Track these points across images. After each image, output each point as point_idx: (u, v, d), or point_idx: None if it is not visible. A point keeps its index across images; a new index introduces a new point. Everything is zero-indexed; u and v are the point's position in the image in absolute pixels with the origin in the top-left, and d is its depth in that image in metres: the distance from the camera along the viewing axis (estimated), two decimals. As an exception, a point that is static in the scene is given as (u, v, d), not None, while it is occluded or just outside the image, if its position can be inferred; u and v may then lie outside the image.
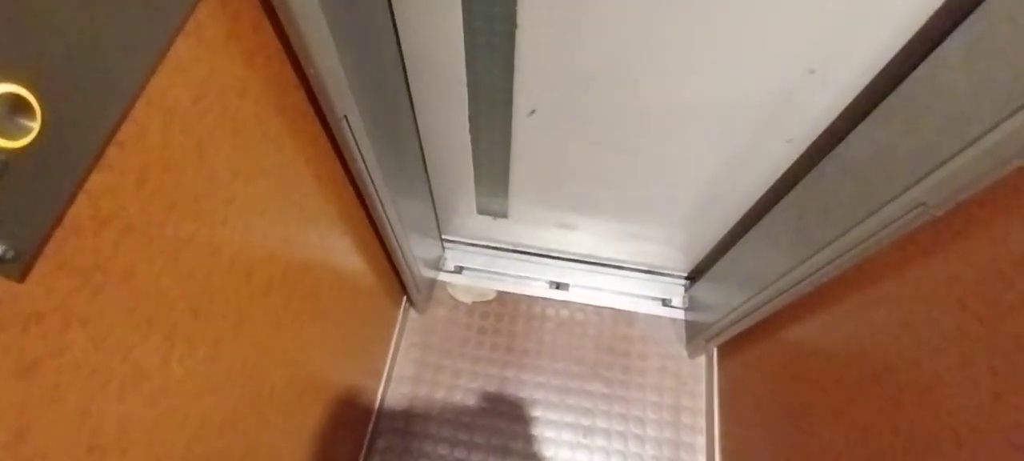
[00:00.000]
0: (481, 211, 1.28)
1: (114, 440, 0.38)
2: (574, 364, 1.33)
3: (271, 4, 0.46)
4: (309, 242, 0.69)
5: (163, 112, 0.38)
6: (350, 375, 1.02)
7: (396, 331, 1.31)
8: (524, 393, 1.30)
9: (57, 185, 0.30)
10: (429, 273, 1.34)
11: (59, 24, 0.29)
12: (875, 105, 0.69)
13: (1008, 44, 0.51)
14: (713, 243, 1.25)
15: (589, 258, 1.43)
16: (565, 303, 1.41)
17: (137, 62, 0.35)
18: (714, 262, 1.26)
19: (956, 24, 0.57)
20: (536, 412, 1.28)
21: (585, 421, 1.27)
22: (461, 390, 1.30)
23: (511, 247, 1.44)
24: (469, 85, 0.84)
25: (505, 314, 1.39)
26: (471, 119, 0.93)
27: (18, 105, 0.27)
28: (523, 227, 1.33)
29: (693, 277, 1.42)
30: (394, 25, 0.74)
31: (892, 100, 0.66)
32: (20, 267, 0.28)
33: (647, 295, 1.42)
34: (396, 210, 0.89)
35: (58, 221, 0.31)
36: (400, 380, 1.30)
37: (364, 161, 0.70)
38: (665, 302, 1.41)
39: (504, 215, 1.28)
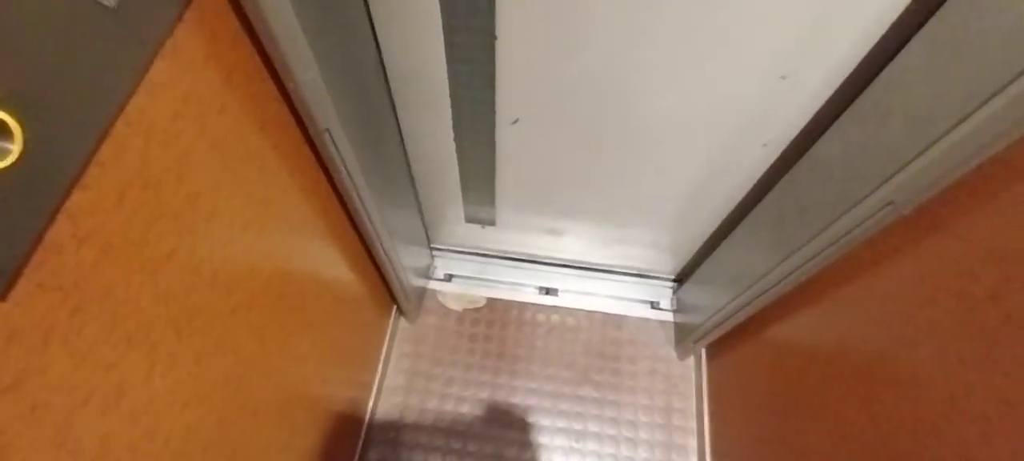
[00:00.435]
0: (469, 219, 1.29)
1: (96, 458, 0.39)
2: (565, 369, 1.34)
3: (250, 22, 0.47)
4: (294, 254, 0.69)
5: (142, 131, 0.38)
6: (340, 386, 1.02)
7: (386, 341, 1.31)
8: (516, 399, 1.30)
9: (38, 205, 0.31)
10: (419, 282, 1.34)
11: (38, 48, 0.30)
12: (844, 109, 0.71)
13: (964, 47, 0.53)
14: (698, 245, 1.27)
15: (578, 263, 1.44)
16: (555, 308, 1.42)
17: (116, 83, 0.36)
18: (700, 264, 1.28)
19: (917, 29, 0.59)
20: (528, 418, 1.28)
21: (577, 426, 1.28)
22: (453, 399, 1.30)
23: (500, 254, 1.45)
24: (452, 96, 0.85)
25: (495, 321, 1.40)
26: (455, 129, 0.94)
27: (-5, 128, 0.28)
28: (511, 234, 1.34)
29: (680, 279, 1.43)
30: (375, 39, 0.75)
31: (859, 103, 0.68)
32: (1, 285, 0.29)
33: (636, 298, 1.43)
34: (383, 220, 0.89)
35: (39, 240, 0.32)
36: (391, 390, 1.30)
37: (348, 173, 0.71)
38: (654, 305, 1.43)
39: (492, 222, 1.29)
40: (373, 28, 0.73)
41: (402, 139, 0.99)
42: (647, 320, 1.41)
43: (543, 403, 1.30)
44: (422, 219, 1.30)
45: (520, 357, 1.35)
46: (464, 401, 1.30)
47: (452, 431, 1.26)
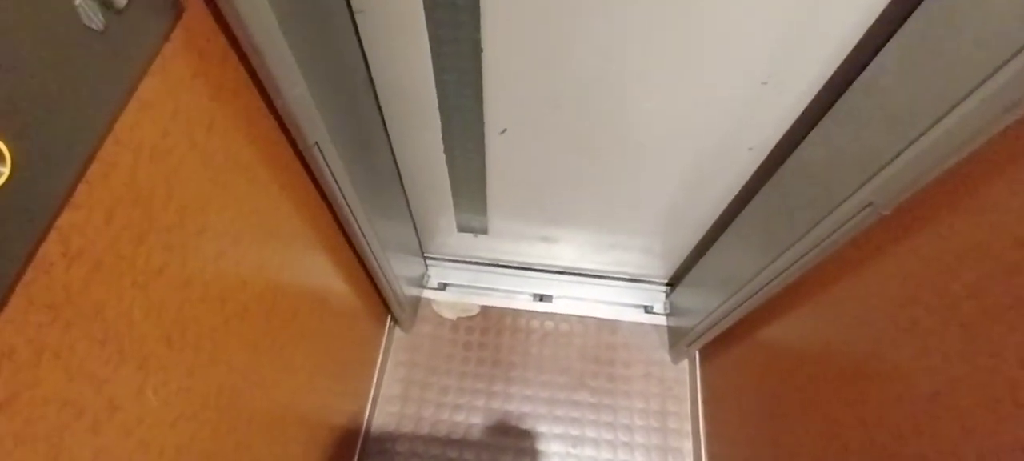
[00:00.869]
0: (461, 228, 1.30)
1: (89, 471, 0.39)
2: (560, 375, 1.35)
3: (237, 39, 0.48)
4: (286, 266, 0.70)
5: (131, 150, 0.39)
6: (335, 397, 1.02)
7: (381, 351, 1.31)
8: (512, 407, 1.31)
9: (28, 224, 0.32)
10: (413, 291, 1.35)
11: (26, 71, 0.30)
12: (825, 113, 0.73)
13: (936, 52, 0.54)
14: (689, 249, 1.28)
15: (571, 269, 1.45)
16: (549, 315, 1.42)
17: (105, 103, 0.37)
18: (692, 267, 1.29)
19: (890, 35, 0.61)
20: (524, 425, 1.29)
21: (574, 432, 1.28)
22: (449, 407, 1.30)
23: (493, 262, 1.46)
24: (440, 107, 0.86)
25: (490, 328, 1.41)
26: (445, 139, 0.95)
27: (-14, 150, 0.28)
28: (504, 242, 1.34)
29: (673, 283, 1.44)
30: (363, 52, 0.76)
31: (839, 108, 0.70)
32: (-8, 305, 0.30)
33: (629, 303, 1.44)
34: (374, 230, 0.90)
35: (30, 259, 0.32)
36: (387, 400, 1.30)
37: (338, 185, 0.72)
38: (647, 309, 1.44)
39: (484, 231, 1.30)
40: (360, 42, 0.74)
41: (392, 150, 1.00)
42: (641, 324, 1.42)
43: (539, 409, 1.30)
44: (415, 228, 1.31)
45: (515, 364, 1.36)
46: (460, 409, 1.30)
47: (448, 440, 1.26)
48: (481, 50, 0.73)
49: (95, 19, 0.34)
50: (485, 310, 1.42)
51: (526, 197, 1.12)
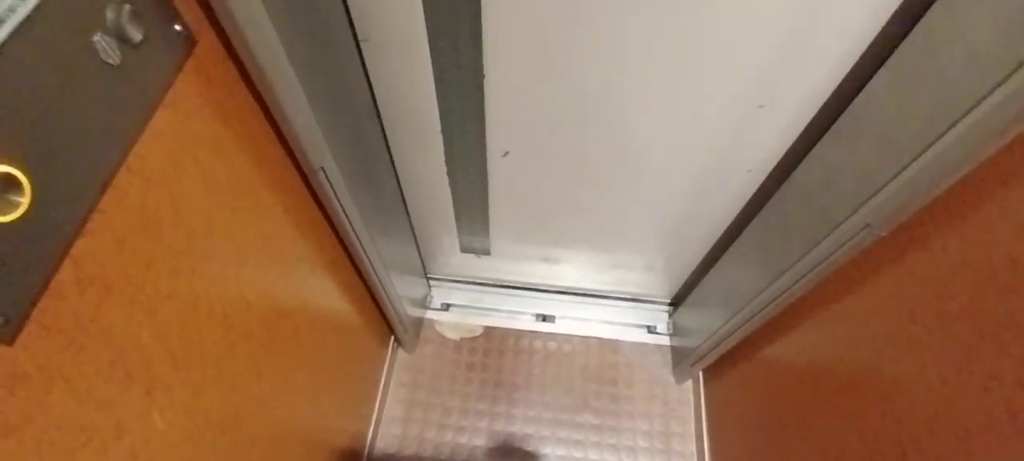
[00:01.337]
0: (464, 249, 1.31)
1: (96, 494, 0.40)
2: (563, 396, 1.34)
3: (245, 68, 0.50)
4: (290, 288, 0.71)
5: (143, 177, 0.41)
6: (338, 419, 1.02)
7: (384, 372, 1.31)
8: (515, 428, 1.30)
9: (44, 253, 0.33)
10: (416, 312, 1.35)
11: (46, 105, 0.32)
12: (820, 136, 0.74)
13: (927, 76, 0.56)
14: (691, 269, 1.28)
15: (573, 289, 1.46)
16: (552, 335, 1.42)
17: (119, 134, 0.38)
18: (693, 287, 1.29)
19: (883, 61, 0.62)
20: (528, 447, 1.28)
21: (577, 453, 1.27)
22: (451, 429, 1.30)
23: (496, 282, 1.46)
24: (443, 131, 0.88)
25: (493, 349, 1.41)
26: (448, 162, 0.97)
27: (9, 182, 0.30)
28: (507, 262, 1.35)
29: (675, 303, 1.44)
30: (367, 79, 0.78)
31: (835, 130, 0.71)
32: (9, 332, 0.31)
33: (632, 323, 1.44)
34: (378, 252, 0.91)
35: (45, 287, 0.33)
36: (390, 421, 1.30)
37: (343, 208, 0.73)
38: (650, 329, 1.44)
39: (487, 252, 1.31)
40: (365, 68, 0.76)
41: (396, 172, 1.01)
42: (644, 344, 1.42)
43: (542, 431, 1.30)
44: (418, 250, 1.32)
45: (518, 385, 1.35)
46: (463, 430, 1.29)
47: (451, 462, 1.25)
48: (483, 76, 0.75)
49: (112, 54, 0.36)
50: (488, 331, 1.43)
51: (528, 217, 1.13)
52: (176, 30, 0.42)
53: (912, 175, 0.56)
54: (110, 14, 0.36)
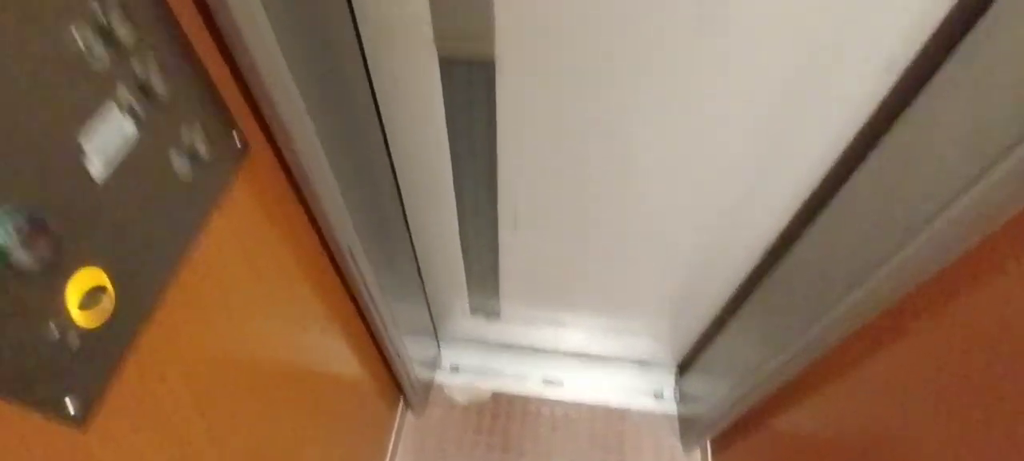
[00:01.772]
0: (474, 311, 1.35)
1: None
2: (571, 463, 1.34)
3: (289, 169, 0.56)
4: (308, 350, 0.75)
5: (198, 272, 0.46)
6: (347, 484, 1.03)
7: (393, 434, 1.32)
8: (521, 496, 1.29)
9: (117, 348, 0.37)
10: (425, 374, 1.38)
11: (130, 219, 0.37)
12: (822, 207, 0.78)
13: (921, 156, 0.60)
14: (698, 334, 1.30)
15: (581, 352, 1.48)
16: (559, 401, 1.43)
17: (183, 237, 0.43)
18: (700, 353, 1.31)
19: (879, 137, 0.67)
20: (534, 516, 1.27)
21: (584, 524, 1.26)
22: (458, 495, 1.29)
23: (505, 344, 1.49)
24: (458, 202, 0.94)
25: (500, 413, 1.41)
26: (461, 231, 1.02)
27: (98, 289, 0.35)
28: (515, 325, 1.38)
29: (683, 368, 1.45)
30: (391, 160, 0.85)
31: (837, 201, 0.75)
32: (84, 421, 0.35)
33: (639, 389, 1.45)
34: (393, 317, 0.95)
35: (114, 375, 0.38)
36: (396, 486, 1.30)
37: (364, 280, 0.78)
38: (657, 395, 1.44)
39: (497, 315, 1.34)
40: (389, 154, 0.83)
41: (411, 240, 1.07)
42: (651, 413, 1.42)
43: (549, 499, 1.28)
44: (429, 312, 1.36)
45: (526, 451, 1.35)
46: (469, 497, 1.28)
47: (457, 530, 1.24)
48: (496, 160, 0.81)
49: (185, 171, 0.42)
50: (496, 396, 1.44)
51: (538, 282, 1.17)
52: (235, 142, 0.48)
53: (911, 253, 0.59)
54: (185, 135, 0.42)
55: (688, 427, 1.32)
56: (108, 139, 0.34)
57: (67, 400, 0.33)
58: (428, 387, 1.43)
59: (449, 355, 1.49)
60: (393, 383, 1.24)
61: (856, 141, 0.71)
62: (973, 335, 0.57)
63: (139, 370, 0.40)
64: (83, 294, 0.33)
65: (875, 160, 0.68)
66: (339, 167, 0.62)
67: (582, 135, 0.77)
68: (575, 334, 1.39)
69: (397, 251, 0.99)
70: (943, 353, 0.61)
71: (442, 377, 1.46)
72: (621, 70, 0.67)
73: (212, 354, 0.50)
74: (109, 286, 0.35)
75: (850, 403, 0.77)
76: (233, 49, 0.44)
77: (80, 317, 0.33)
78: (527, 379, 1.46)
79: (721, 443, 1.27)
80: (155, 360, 0.42)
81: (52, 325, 0.31)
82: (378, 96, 0.74)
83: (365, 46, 0.67)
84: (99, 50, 0.32)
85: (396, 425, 1.33)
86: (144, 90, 0.37)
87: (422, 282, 1.23)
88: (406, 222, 1.02)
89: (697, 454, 1.35)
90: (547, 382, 1.45)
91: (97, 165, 0.33)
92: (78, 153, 0.32)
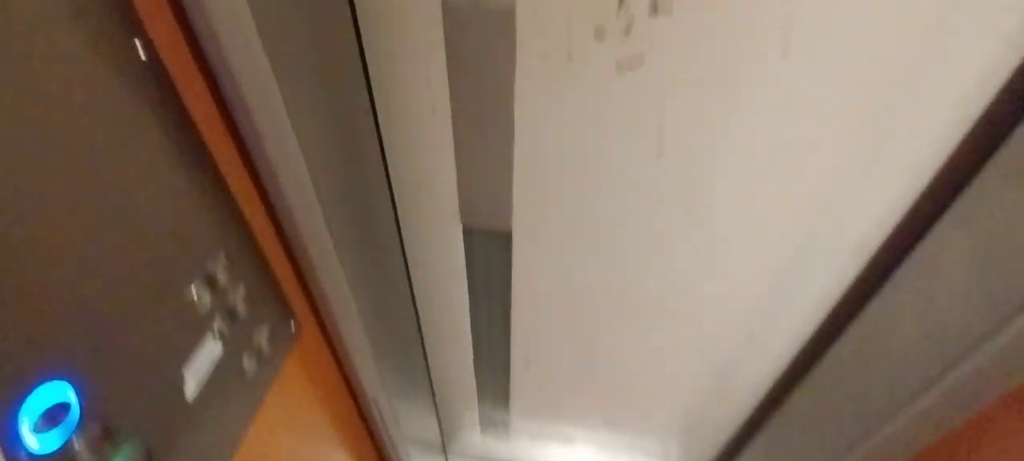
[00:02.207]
0: (484, 428, 1.37)
1: None
2: None
3: (332, 344, 0.63)
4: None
5: (252, 450, 0.51)
6: None
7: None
8: None
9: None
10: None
11: (209, 419, 0.44)
12: (833, 341, 0.81)
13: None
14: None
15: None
16: (568, 522, 1.41)
17: (243, 422, 0.50)
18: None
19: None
20: None
21: None
22: None
23: (513, 461, 1.49)
24: (474, 341, 1.01)
25: (508, 536, 1.39)
26: (475, 364, 1.08)
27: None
28: (524, 440, 1.40)
29: (692, 492, 1.44)
30: (416, 311, 0.92)
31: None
32: None
33: (649, 512, 1.42)
34: (408, 451, 0.99)
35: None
36: None
37: (384, 421, 0.83)
38: (667, 519, 1.41)
39: (506, 427, 1.36)
40: (415, 305, 0.91)
41: (429, 370, 1.12)
42: (661, 537, 1.39)
43: None
44: (440, 429, 1.38)
45: None
46: None
47: None
48: (511, 305, 0.89)
49: (251, 368, 0.49)
50: (504, 514, 1.42)
51: (547, 401, 1.21)
52: (291, 328, 0.56)
53: (913, 414, 0.63)
54: (255, 338, 0.49)
55: (699, 559, 1.29)
56: (202, 365, 0.42)
57: None
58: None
59: (458, 471, 1.49)
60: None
61: (869, 269, 0.72)
62: None
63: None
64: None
65: (870, 315, 0.71)
66: (373, 330, 0.69)
67: (588, 291, 0.84)
68: (584, 450, 1.39)
69: (416, 385, 1.04)
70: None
71: (450, 496, 1.45)
72: (623, 241, 0.75)
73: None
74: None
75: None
76: (296, 252, 0.53)
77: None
78: (535, 499, 1.44)
79: None
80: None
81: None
82: (408, 257, 0.83)
83: (400, 220, 0.77)
84: (206, 297, 0.41)
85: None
86: (231, 314, 0.45)
87: (435, 403, 1.27)
88: (425, 359, 1.08)
89: None
90: (555, 504, 1.44)
91: (191, 387, 0.41)
92: (181, 383, 0.39)
